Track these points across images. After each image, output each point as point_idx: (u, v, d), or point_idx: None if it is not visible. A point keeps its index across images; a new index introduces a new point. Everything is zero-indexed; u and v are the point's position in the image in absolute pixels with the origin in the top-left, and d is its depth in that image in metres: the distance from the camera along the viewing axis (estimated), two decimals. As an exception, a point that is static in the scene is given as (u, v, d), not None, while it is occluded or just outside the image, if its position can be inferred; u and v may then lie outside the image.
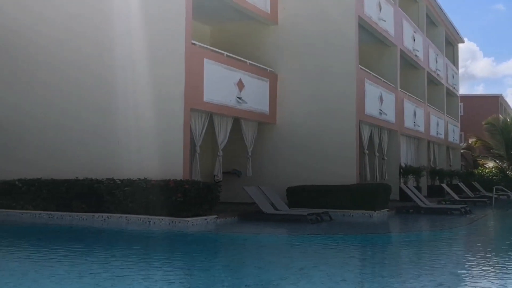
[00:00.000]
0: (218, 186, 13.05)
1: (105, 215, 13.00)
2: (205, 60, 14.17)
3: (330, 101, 16.57)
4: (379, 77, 19.01)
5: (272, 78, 17.04)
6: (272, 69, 17.12)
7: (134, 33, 14.29)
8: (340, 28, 16.76)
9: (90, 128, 14.79)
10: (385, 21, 19.20)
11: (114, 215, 12.87)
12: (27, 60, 16.15)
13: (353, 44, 16.59)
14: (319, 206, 14.66)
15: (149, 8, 14.14)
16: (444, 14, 28.13)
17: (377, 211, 14.90)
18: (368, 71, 18.10)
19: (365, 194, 14.99)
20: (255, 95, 16.15)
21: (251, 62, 16.20)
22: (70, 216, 13.37)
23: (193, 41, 13.85)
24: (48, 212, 13.79)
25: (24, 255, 8.73)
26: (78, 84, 15.18)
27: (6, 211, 14.40)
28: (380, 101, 18.78)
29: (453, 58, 33.38)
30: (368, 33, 18.61)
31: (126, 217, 12.68)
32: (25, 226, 12.67)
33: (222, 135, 15.37)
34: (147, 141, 13.89)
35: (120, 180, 13.12)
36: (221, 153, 15.33)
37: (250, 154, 16.41)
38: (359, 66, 17.01)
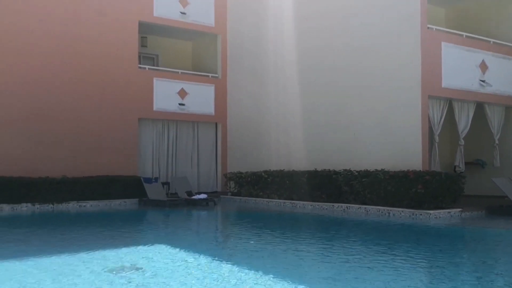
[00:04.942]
0: (462, 178, 12.19)
1: (344, 205, 13.31)
2: (443, 43, 13.37)
3: None
4: None
5: (522, 57, 15.14)
6: (521, 46, 15.22)
7: (367, 22, 14.27)
8: None
9: (328, 122, 15.31)
10: None
11: (353, 205, 13.08)
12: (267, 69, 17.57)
13: None
14: None
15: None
16: None
17: None
18: None
19: None
20: (501, 77, 14.57)
21: (495, 40, 14.66)
22: (311, 205, 14.07)
23: (428, 25, 13.20)
24: (292, 201, 14.76)
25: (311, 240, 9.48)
26: (311, 84, 15.89)
27: (255, 199, 15.96)
28: None
29: None
30: None
31: (365, 208, 12.77)
32: (274, 213, 13.75)
33: (464, 122, 14.28)
34: (382, 132, 13.78)
35: (357, 171, 13.28)
36: (462, 142, 14.26)
37: (497, 142, 14.87)
38: None
